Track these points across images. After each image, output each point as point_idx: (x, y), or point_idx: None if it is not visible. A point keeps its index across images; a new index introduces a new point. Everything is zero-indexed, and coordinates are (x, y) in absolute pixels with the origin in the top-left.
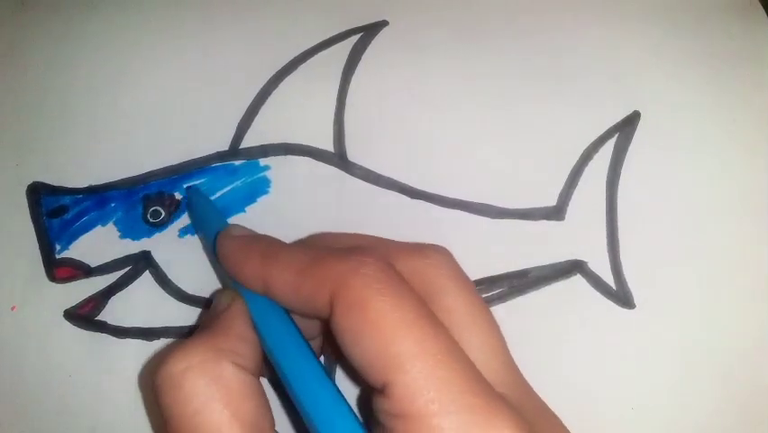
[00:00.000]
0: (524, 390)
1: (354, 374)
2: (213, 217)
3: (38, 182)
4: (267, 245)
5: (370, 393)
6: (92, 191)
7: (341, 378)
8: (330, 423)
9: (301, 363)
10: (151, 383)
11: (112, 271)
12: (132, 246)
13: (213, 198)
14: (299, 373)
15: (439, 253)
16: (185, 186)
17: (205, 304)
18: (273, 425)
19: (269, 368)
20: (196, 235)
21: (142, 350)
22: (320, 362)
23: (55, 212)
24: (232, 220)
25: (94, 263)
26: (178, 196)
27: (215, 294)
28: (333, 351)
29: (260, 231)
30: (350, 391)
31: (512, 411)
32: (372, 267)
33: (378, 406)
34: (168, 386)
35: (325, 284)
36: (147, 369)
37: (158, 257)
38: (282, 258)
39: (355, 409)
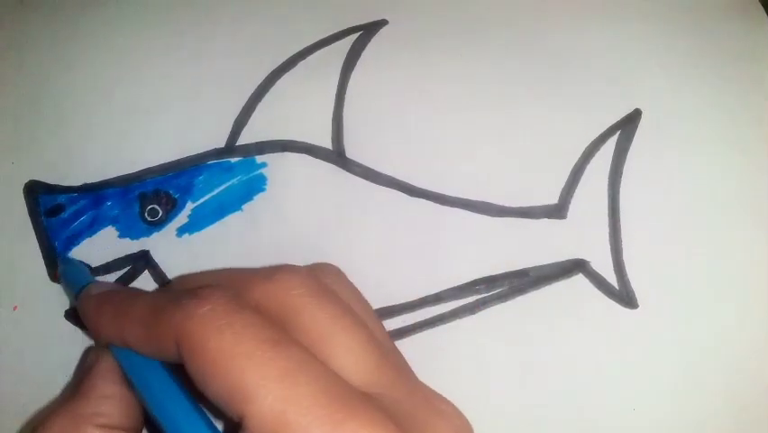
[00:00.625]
0: (404, 385)
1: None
2: (82, 279)
3: (35, 181)
4: (121, 300)
5: (235, 428)
6: (88, 189)
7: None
8: None
9: (174, 410)
10: None
11: (112, 271)
12: (131, 246)
13: (209, 195)
14: (174, 422)
15: (289, 273)
16: (59, 258)
17: None
18: None
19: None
20: (194, 234)
21: None
22: (195, 406)
23: (52, 211)
24: (228, 218)
25: (93, 263)
26: (174, 194)
27: (84, 353)
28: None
29: (258, 229)
30: None
31: (371, 412)
32: (209, 306)
33: None
34: None
35: (168, 333)
36: None
37: (157, 257)
38: (132, 311)
39: None
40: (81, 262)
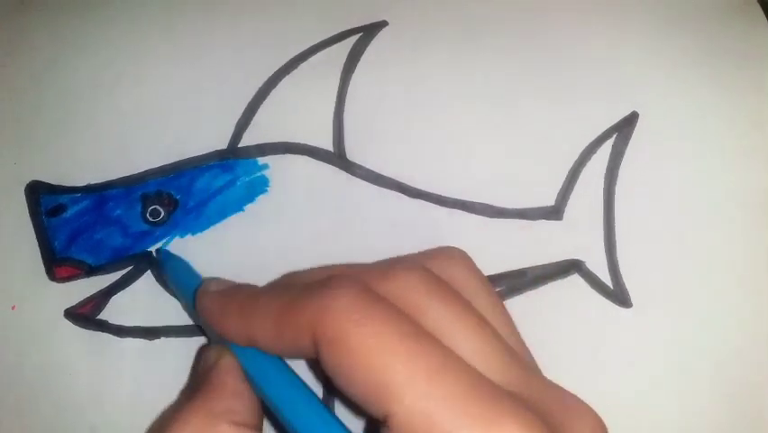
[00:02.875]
0: (536, 384)
1: (355, 406)
2: (187, 275)
3: (36, 181)
4: (244, 297)
5: (375, 424)
6: (90, 190)
7: (343, 411)
8: None
9: (303, 408)
10: None
11: (113, 271)
12: (133, 246)
13: (211, 197)
14: (304, 419)
15: (407, 269)
16: (153, 249)
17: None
18: None
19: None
20: (196, 235)
21: (143, 349)
22: (321, 401)
23: (54, 211)
24: (230, 219)
25: (94, 263)
26: (176, 195)
27: (200, 351)
28: (326, 385)
29: (260, 230)
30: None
31: (521, 411)
32: (345, 298)
33: None
34: None
35: (304, 327)
36: None
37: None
38: (259, 308)
39: None
40: (179, 256)
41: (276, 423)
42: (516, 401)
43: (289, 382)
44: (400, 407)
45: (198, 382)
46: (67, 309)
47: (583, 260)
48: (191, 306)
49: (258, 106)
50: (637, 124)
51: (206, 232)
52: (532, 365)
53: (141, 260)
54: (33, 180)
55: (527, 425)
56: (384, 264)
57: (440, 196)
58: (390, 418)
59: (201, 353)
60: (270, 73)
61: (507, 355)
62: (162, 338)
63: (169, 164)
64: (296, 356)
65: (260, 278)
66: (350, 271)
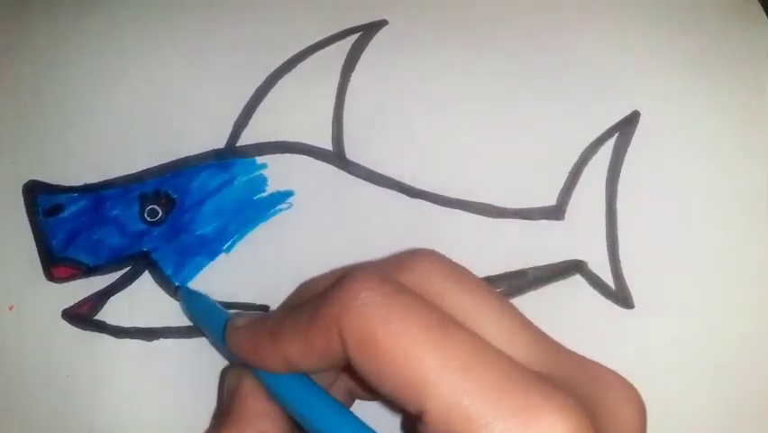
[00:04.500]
0: (566, 360)
1: (390, 403)
2: (213, 313)
3: (34, 181)
4: (272, 324)
5: (411, 419)
6: (88, 190)
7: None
8: None
9: (330, 415)
10: None
11: (111, 271)
12: (131, 246)
13: (209, 196)
14: (333, 425)
15: (424, 260)
16: (175, 285)
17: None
18: None
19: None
20: (193, 235)
21: (141, 350)
22: (347, 409)
23: (51, 211)
24: (228, 219)
25: (92, 263)
26: (173, 195)
27: (222, 374)
28: (363, 389)
29: (258, 230)
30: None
31: (556, 396)
32: (366, 293)
33: (422, 431)
34: None
35: (331, 332)
36: None
37: (156, 257)
38: (287, 328)
39: None
40: (200, 293)
41: None
42: (550, 385)
43: (312, 392)
44: (435, 402)
45: (225, 409)
46: (64, 310)
47: (585, 260)
48: (221, 343)
49: (256, 105)
50: (639, 123)
51: (204, 232)
52: (557, 342)
53: (139, 260)
54: (31, 180)
55: (564, 411)
56: (397, 257)
57: (440, 196)
58: (426, 413)
59: (223, 376)
60: (269, 72)
61: (535, 334)
62: (160, 339)
63: (167, 163)
64: (331, 366)
65: (258, 278)
66: (365, 268)
